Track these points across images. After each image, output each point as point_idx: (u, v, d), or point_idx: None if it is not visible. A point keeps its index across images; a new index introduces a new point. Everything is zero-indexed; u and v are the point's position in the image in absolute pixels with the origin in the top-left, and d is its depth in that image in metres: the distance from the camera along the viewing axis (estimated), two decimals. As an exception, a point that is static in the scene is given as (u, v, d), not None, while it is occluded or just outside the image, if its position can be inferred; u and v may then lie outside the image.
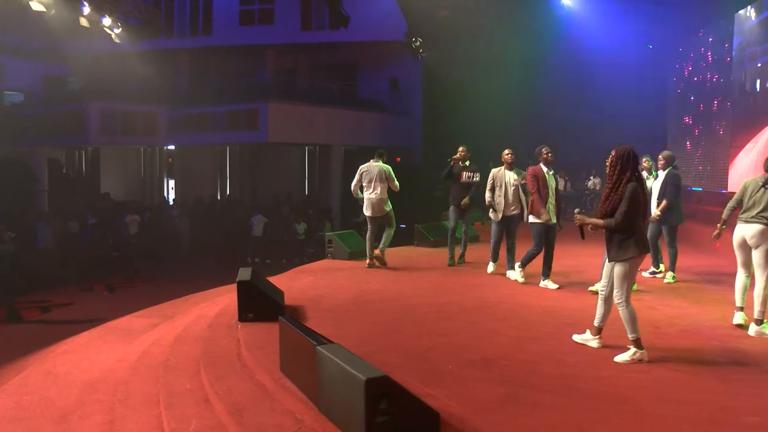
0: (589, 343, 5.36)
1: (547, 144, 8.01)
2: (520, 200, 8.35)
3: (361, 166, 9.33)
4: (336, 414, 3.82)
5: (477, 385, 4.51)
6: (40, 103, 22.13)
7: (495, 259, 8.77)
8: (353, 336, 5.71)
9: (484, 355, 5.19)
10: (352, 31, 21.21)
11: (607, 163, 5.23)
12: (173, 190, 27.94)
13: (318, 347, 4.01)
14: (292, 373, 4.60)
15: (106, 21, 14.07)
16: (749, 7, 14.37)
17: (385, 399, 3.45)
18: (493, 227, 8.64)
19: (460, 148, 9.47)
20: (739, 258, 6.11)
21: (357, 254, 10.11)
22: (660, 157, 8.38)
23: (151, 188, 27.32)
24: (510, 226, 8.54)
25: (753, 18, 14.26)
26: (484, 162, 12.39)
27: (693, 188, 17.16)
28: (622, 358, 5.00)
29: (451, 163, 9.44)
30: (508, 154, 8.41)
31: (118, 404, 5.33)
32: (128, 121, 21.94)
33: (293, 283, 8.24)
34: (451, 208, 9.47)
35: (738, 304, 6.13)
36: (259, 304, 6.18)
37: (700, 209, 14.24)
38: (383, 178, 9.13)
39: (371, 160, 9.33)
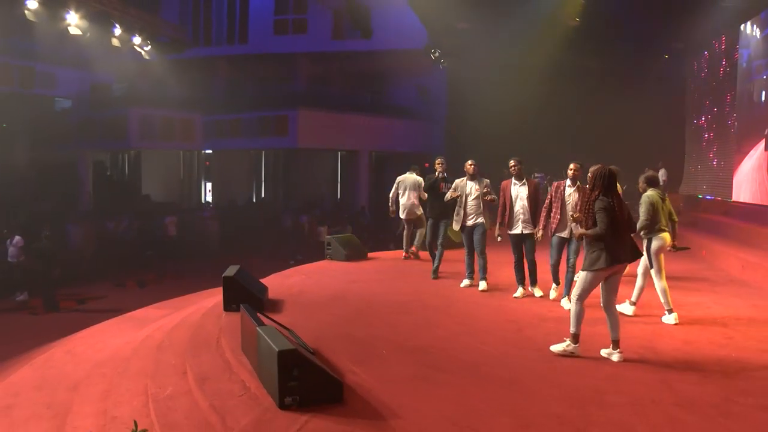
0: (612, 357, 5.65)
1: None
2: (482, 210, 8.66)
3: (398, 177, 11.06)
4: (266, 381, 4.93)
5: (397, 366, 5.55)
6: (87, 109, 23.92)
7: (469, 274, 9.00)
8: (313, 325, 6.81)
9: (417, 344, 6.23)
10: (380, 40, 22.40)
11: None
12: (210, 193, 29.62)
13: (258, 328, 5.13)
14: (247, 351, 5.73)
15: (136, 40, 15.53)
16: (750, 23, 15.01)
17: (295, 368, 4.55)
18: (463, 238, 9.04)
19: (438, 161, 10.11)
20: (661, 264, 7.00)
21: (353, 256, 11.21)
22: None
23: (189, 190, 29.06)
24: (474, 236, 8.75)
25: (758, 35, 14.87)
26: (499, 170, 13.28)
27: (705, 197, 17.73)
28: (556, 348, 5.77)
29: (436, 175, 9.91)
30: (470, 165, 8.72)
31: (117, 376, 6.56)
32: (166, 126, 23.56)
33: (285, 281, 9.42)
34: (430, 221, 9.99)
35: (668, 306, 7.03)
36: (241, 297, 7.30)
37: (701, 218, 14.85)
38: (415, 187, 10.86)
39: (407, 172, 11.09)
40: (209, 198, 29.19)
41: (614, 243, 5.53)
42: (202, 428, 4.67)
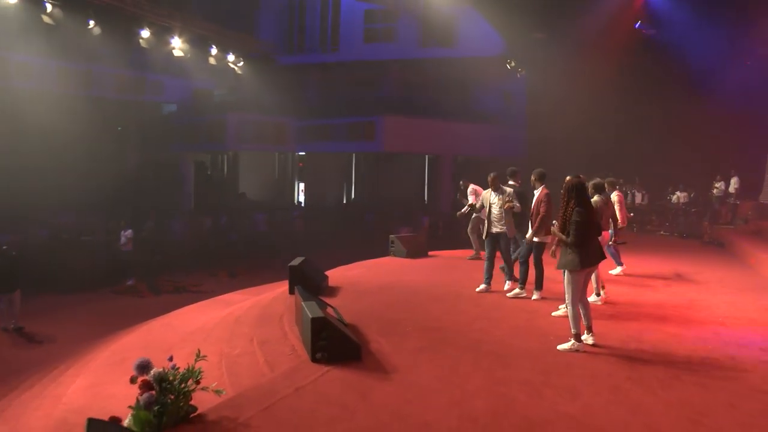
0: (587, 341, 6.84)
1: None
2: (505, 219, 9.47)
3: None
4: (305, 341, 6.65)
5: (413, 340, 7.14)
6: (190, 113, 26.67)
7: (486, 280, 9.71)
8: (358, 307, 8.49)
9: (438, 325, 7.78)
10: (465, 47, 23.87)
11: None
12: (303, 193, 32.00)
13: (302, 302, 6.85)
14: (298, 323, 7.47)
15: (230, 57, 17.76)
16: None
17: (324, 332, 6.23)
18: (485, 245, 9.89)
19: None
20: None
21: (413, 253, 12.82)
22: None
23: (283, 190, 31.52)
24: (498, 243, 9.58)
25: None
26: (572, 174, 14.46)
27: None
28: (563, 347, 6.88)
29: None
30: (491, 178, 9.70)
31: (202, 341, 8.46)
32: (261, 129, 25.93)
33: (346, 272, 11.19)
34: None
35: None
36: (303, 283, 9.05)
37: (765, 226, 15.46)
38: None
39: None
40: (302, 198, 31.58)
41: (585, 249, 6.71)
42: (256, 375, 6.43)
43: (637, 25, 18.90)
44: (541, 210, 8.75)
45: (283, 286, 10.72)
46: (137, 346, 9.17)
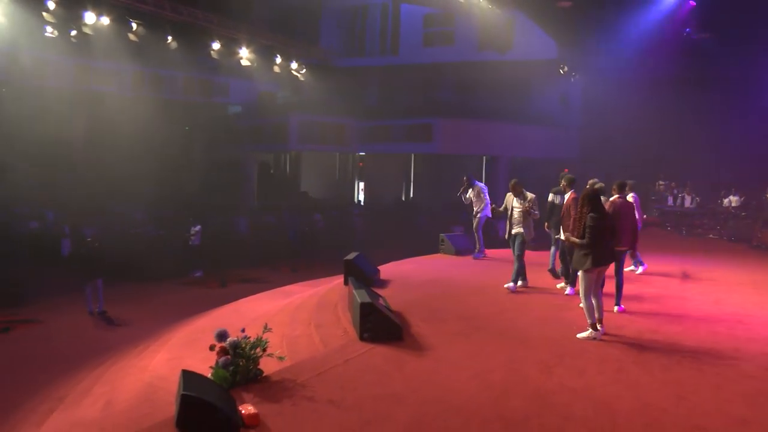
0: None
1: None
2: (523, 222, 10.43)
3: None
4: (354, 323, 7.91)
5: (450, 326, 8.33)
6: (254, 114, 28.32)
7: (515, 278, 10.61)
8: (405, 297, 9.72)
9: (473, 314, 8.94)
10: (522, 50, 24.80)
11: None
12: (362, 192, 33.42)
13: (354, 290, 8.10)
14: (350, 308, 8.73)
15: (293, 65, 19.22)
16: None
17: (371, 315, 7.47)
18: None
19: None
20: None
21: (461, 251, 13.94)
22: None
23: (343, 189, 33.00)
24: (515, 242, 10.51)
25: None
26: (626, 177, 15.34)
27: None
28: (581, 335, 7.97)
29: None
30: (512, 184, 10.64)
31: (269, 323, 9.82)
32: (322, 130, 27.38)
33: (397, 267, 12.45)
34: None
35: None
36: (357, 275, 10.31)
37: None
38: None
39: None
40: (361, 197, 33.00)
41: (597, 250, 7.73)
42: (312, 350, 7.71)
43: (687, 31, 19.55)
44: (572, 213, 9.78)
45: (339, 279, 11.99)
46: (209, 328, 10.55)
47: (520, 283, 10.60)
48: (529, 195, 10.51)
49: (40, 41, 18.39)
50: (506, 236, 10.78)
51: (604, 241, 7.81)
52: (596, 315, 7.92)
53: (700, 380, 6.60)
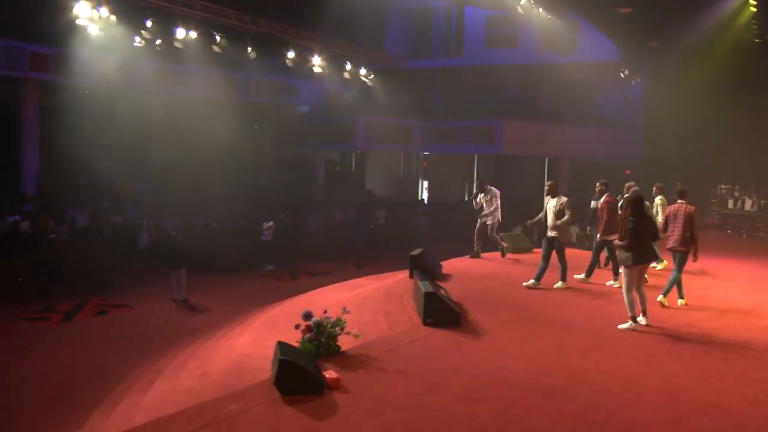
0: (641, 321, 8.85)
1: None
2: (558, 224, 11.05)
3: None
4: (418, 310, 9.15)
5: (503, 315, 9.50)
6: (322, 114, 29.83)
7: (537, 276, 11.31)
8: (464, 290, 10.91)
9: (525, 306, 10.08)
10: (584, 52, 25.57)
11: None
12: (426, 191, 34.66)
13: (419, 281, 9.34)
14: (414, 298, 9.97)
15: (362, 71, 20.63)
16: None
17: (433, 303, 8.69)
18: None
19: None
20: None
21: (518, 249, 15.00)
22: None
23: (407, 187, 34.31)
24: (552, 245, 11.17)
25: None
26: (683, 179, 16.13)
27: None
28: (622, 326, 9.02)
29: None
30: (547, 185, 11.43)
31: (337, 313, 11.15)
32: (388, 131, 28.69)
33: (458, 263, 13.67)
34: None
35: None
36: (421, 269, 11.53)
37: None
38: None
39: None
40: (425, 195, 34.25)
41: (638, 249, 8.79)
42: (381, 333, 8.97)
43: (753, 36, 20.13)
44: (604, 215, 10.94)
45: (404, 273, 13.23)
46: (285, 315, 11.97)
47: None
48: (563, 198, 11.05)
49: (128, 48, 20.26)
50: (544, 238, 11.35)
51: (644, 241, 8.85)
52: (639, 307, 8.96)
53: (725, 368, 7.56)
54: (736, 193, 21.41)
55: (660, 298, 10.21)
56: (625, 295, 8.98)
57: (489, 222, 13.92)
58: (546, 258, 11.26)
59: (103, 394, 10.12)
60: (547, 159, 30.33)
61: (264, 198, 25.36)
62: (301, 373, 6.39)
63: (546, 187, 11.47)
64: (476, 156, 32.22)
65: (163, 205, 22.47)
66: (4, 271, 15.82)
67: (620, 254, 9.00)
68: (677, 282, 10.37)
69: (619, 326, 8.97)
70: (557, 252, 11.29)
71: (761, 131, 22.72)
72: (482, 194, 14.08)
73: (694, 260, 10.18)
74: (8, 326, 13.88)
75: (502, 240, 14.50)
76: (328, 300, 12.93)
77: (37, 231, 18.27)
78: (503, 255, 14.40)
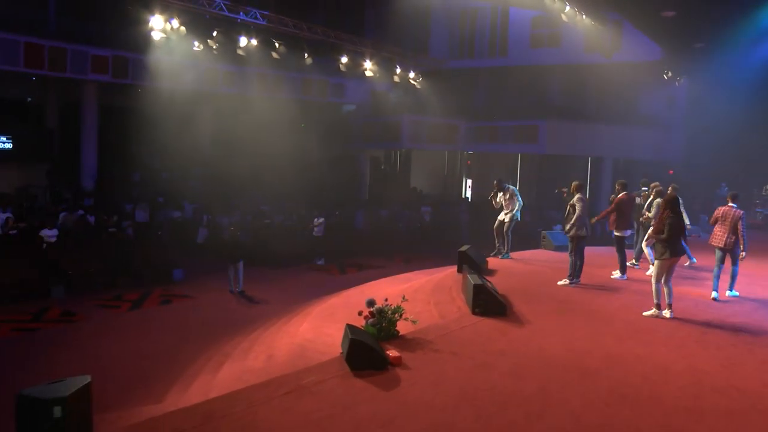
0: (665, 314, 10.03)
1: None
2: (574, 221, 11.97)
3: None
4: (467, 301, 10.21)
5: (546, 306, 10.51)
6: (367, 113, 31.02)
7: (570, 275, 12.36)
8: (508, 283, 11.93)
9: (566, 299, 11.07)
10: (628, 52, 26.26)
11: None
12: (470, 189, 35.64)
13: (467, 275, 10.40)
14: (463, 290, 11.03)
15: (411, 74, 21.80)
16: None
17: (481, 294, 9.75)
18: None
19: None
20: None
21: (561, 247, 15.92)
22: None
23: (452, 185, 35.34)
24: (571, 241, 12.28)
25: None
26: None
27: None
28: (646, 313, 10.13)
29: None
30: (573, 185, 12.35)
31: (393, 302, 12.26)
32: (433, 130, 29.75)
33: (502, 261, 14.59)
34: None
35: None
36: (468, 263, 12.58)
37: None
38: None
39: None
40: (469, 193, 35.24)
41: (674, 243, 9.81)
42: (433, 321, 10.05)
43: None
44: (624, 210, 12.53)
45: (451, 268, 14.27)
46: (341, 305, 13.13)
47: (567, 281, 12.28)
48: (577, 195, 12.02)
49: (185, 50, 21.71)
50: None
51: (679, 238, 9.85)
52: (666, 300, 9.92)
53: (749, 356, 8.46)
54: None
55: (728, 293, 11.58)
56: (654, 284, 10.03)
57: (507, 220, 14.66)
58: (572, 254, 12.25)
59: (176, 374, 11.33)
60: (590, 159, 31.07)
61: (313, 195, 26.60)
62: (369, 351, 7.51)
63: (572, 187, 12.29)
64: (519, 155, 33.06)
65: (218, 202, 23.88)
66: (76, 263, 17.28)
67: (657, 247, 9.97)
68: (733, 275, 11.61)
69: (644, 313, 10.04)
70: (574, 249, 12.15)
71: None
72: (501, 193, 14.74)
73: (742, 259, 11.25)
74: (84, 312, 15.29)
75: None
76: (381, 292, 14.02)
77: (100, 225, 19.79)
78: (498, 255, 14.91)
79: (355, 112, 32.11)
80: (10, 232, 18.13)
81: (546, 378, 7.40)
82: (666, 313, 9.97)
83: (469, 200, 33.86)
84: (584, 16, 22.18)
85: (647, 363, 8.00)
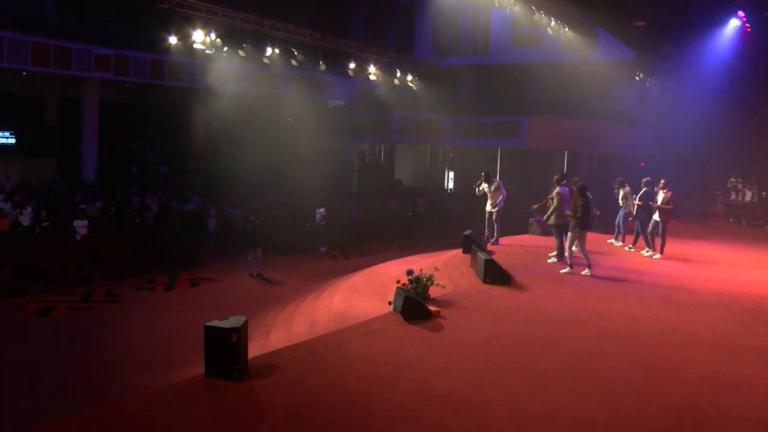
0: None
1: None
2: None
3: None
4: (478, 274, 13.17)
5: (541, 277, 13.53)
6: (355, 109, 33.78)
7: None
8: (509, 261, 14.82)
9: (555, 272, 14.09)
10: (604, 52, 29.39)
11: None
12: (452, 181, 38.64)
13: (479, 252, 13.37)
14: (472, 266, 13.98)
15: (409, 77, 24.86)
16: None
17: (491, 267, 12.73)
18: None
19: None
20: None
21: (546, 232, 18.94)
22: None
23: (435, 178, 38.32)
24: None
25: None
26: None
27: None
28: (563, 270, 13.52)
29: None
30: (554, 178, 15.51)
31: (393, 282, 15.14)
32: (418, 125, 32.62)
33: (496, 246, 17.60)
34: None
35: None
36: (474, 244, 15.47)
37: None
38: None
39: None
40: (451, 185, 38.27)
41: (583, 220, 13.46)
42: (452, 289, 12.94)
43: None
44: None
45: (453, 251, 17.13)
46: (363, 282, 15.92)
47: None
48: (556, 189, 14.79)
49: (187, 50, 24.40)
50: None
51: (586, 216, 13.46)
52: (585, 262, 13.76)
53: (699, 311, 11.58)
54: (739, 186, 25.36)
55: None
56: (567, 249, 13.99)
57: (494, 210, 17.23)
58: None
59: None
60: (566, 153, 34.19)
61: (308, 187, 29.29)
62: (418, 305, 10.43)
63: (554, 180, 15.22)
64: (500, 149, 36.11)
65: (220, 194, 26.55)
66: (109, 250, 19.84)
67: (572, 223, 13.55)
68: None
69: (561, 270, 13.88)
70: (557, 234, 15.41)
71: (761, 127, 26.70)
72: (485, 184, 17.16)
73: None
74: (125, 294, 17.85)
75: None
76: (391, 272, 16.81)
77: (123, 216, 22.36)
78: (486, 242, 17.07)
79: (343, 107, 34.79)
80: (43, 224, 20.60)
81: (550, 325, 10.39)
82: (586, 271, 13.62)
83: (451, 192, 36.75)
84: (566, 29, 25.18)
85: (623, 316, 11.04)
